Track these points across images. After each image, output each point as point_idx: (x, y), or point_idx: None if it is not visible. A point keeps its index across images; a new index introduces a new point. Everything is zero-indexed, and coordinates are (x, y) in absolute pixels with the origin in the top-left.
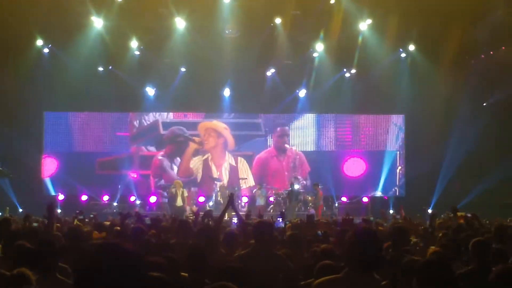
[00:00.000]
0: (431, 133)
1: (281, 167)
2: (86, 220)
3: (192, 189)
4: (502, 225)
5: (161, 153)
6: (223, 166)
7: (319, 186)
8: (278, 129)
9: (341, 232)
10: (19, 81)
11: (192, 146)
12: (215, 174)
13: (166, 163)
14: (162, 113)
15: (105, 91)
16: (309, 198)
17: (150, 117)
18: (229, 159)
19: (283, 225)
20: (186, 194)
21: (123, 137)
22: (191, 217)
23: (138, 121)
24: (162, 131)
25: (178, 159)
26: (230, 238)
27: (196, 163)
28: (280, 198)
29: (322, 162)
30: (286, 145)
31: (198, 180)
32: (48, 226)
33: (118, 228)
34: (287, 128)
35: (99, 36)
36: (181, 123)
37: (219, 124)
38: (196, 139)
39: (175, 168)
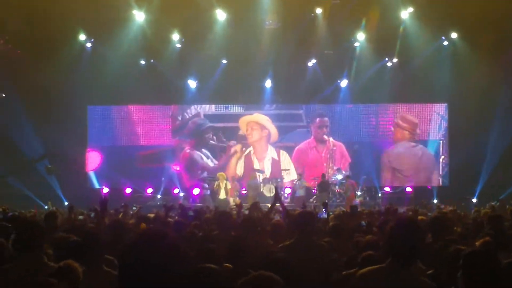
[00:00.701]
0: (474, 121)
1: (320, 158)
2: (131, 212)
3: (235, 182)
4: None
5: (188, 146)
6: (265, 159)
7: (350, 178)
8: (317, 119)
9: (383, 222)
10: (63, 75)
11: (235, 150)
12: (257, 166)
13: (196, 155)
14: (203, 105)
15: (147, 84)
16: (342, 190)
17: (192, 110)
18: (271, 153)
19: (325, 216)
20: (229, 186)
21: (165, 130)
22: (234, 208)
23: (180, 114)
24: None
25: (204, 150)
26: (276, 229)
27: (239, 162)
28: None
29: (364, 152)
30: (325, 136)
31: (241, 174)
32: (99, 220)
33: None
34: (326, 119)
35: (140, 30)
36: (223, 116)
37: (261, 117)
38: (237, 147)
39: (205, 158)
